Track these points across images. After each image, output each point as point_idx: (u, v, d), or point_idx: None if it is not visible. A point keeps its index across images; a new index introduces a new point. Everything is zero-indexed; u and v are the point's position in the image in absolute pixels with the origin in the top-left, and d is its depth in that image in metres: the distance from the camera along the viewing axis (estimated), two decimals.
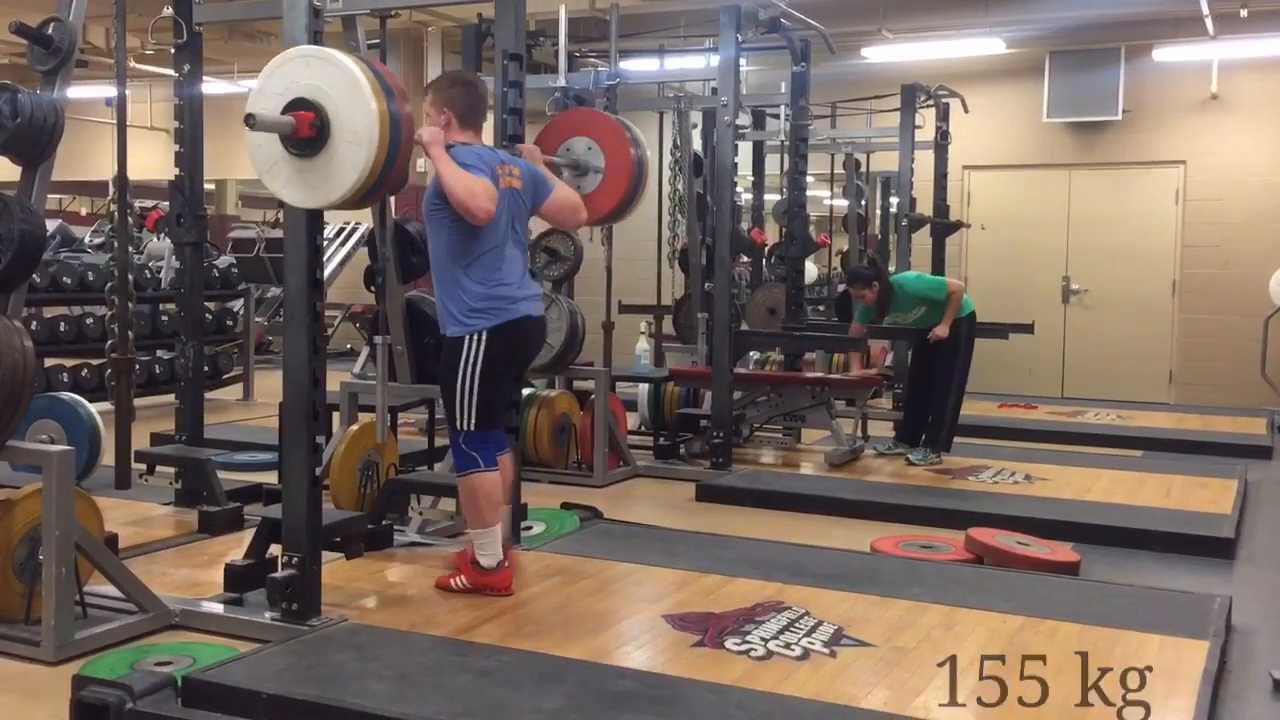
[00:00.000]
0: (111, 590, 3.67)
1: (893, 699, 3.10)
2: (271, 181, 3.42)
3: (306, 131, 3.28)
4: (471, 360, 3.79)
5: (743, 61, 6.79)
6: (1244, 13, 9.38)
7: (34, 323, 7.76)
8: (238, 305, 9.55)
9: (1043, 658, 3.38)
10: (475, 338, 3.80)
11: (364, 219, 10.35)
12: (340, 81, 3.30)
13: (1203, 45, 9.91)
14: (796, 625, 3.66)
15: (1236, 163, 10.29)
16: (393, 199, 5.33)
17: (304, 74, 3.33)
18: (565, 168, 4.92)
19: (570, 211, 4.21)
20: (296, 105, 3.30)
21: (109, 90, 10.15)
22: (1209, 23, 9.44)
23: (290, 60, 3.41)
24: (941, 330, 6.80)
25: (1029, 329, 9.47)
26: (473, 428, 3.84)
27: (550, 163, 4.75)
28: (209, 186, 13.98)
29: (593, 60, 7.99)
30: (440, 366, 3.93)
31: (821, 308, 10.33)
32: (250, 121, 3.29)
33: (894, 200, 10.51)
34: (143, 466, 5.22)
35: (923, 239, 9.89)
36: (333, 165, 3.30)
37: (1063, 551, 4.78)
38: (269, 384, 9.17)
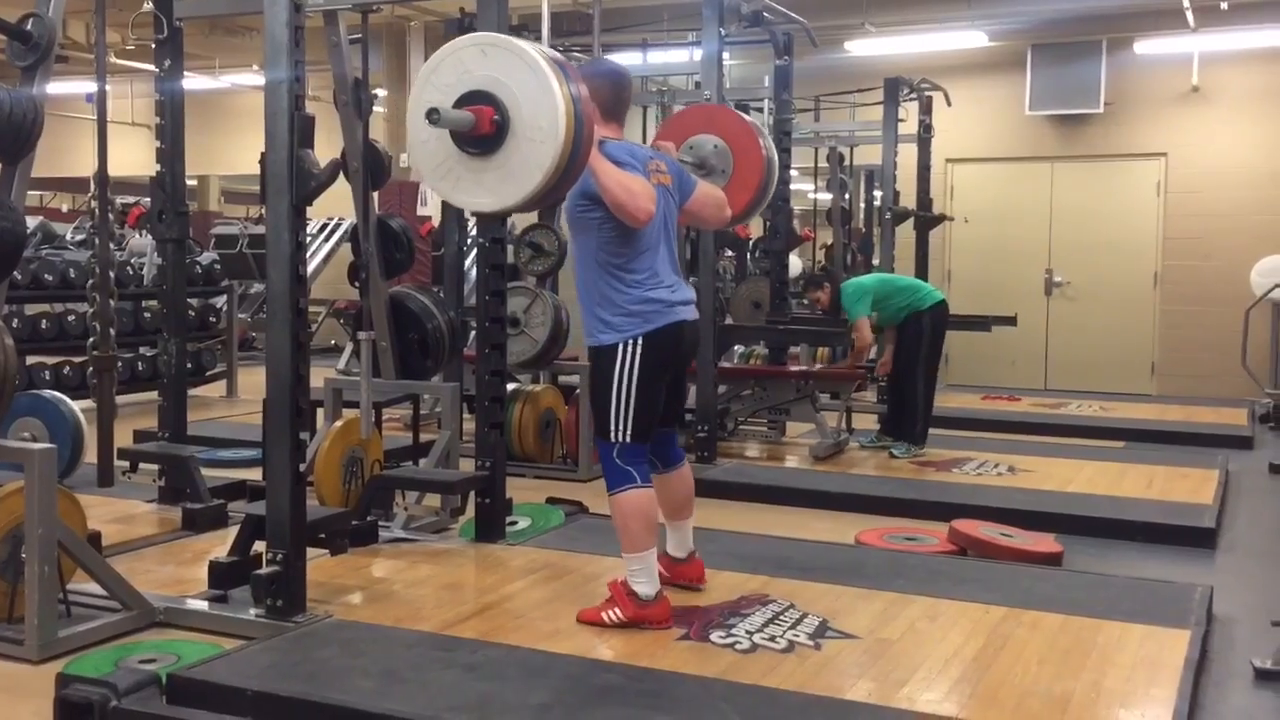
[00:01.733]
0: (95, 588, 3.66)
1: (877, 690, 3.12)
2: (440, 182, 3.20)
3: (486, 128, 3.03)
4: (628, 367, 3.54)
5: (726, 55, 6.79)
6: (1224, 5, 9.42)
7: (15, 320, 7.70)
8: (221, 302, 9.52)
9: (1025, 648, 3.41)
10: (631, 344, 3.54)
11: (347, 214, 10.33)
12: (523, 73, 3.03)
13: (1184, 38, 9.95)
14: (781, 618, 3.67)
15: (1217, 155, 10.34)
16: (376, 194, 5.32)
17: (479, 64, 3.08)
18: (692, 168, 4.69)
19: (716, 208, 3.97)
20: (472, 99, 3.06)
21: (89, 86, 10.08)
22: (1190, 15, 9.48)
23: (463, 49, 3.15)
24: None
25: (1012, 321, 9.53)
26: (629, 439, 3.56)
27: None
28: (191, 182, 13.92)
29: (576, 54, 7.98)
30: (591, 377, 3.71)
31: (805, 301, 10.34)
32: (433, 117, 3.02)
33: (877, 193, 10.56)
34: (125, 464, 5.20)
35: (906, 232, 9.93)
36: (513, 165, 3.06)
37: (1045, 542, 4.81)
38: (252, 380, 9.14)
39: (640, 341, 3.55)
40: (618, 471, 3.58)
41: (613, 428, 3.57)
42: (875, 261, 10.50)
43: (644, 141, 7.87)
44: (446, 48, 3.21)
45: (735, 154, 4.62)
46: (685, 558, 3.95)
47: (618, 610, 3.56)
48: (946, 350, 11.06)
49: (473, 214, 4.82)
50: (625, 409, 3.56)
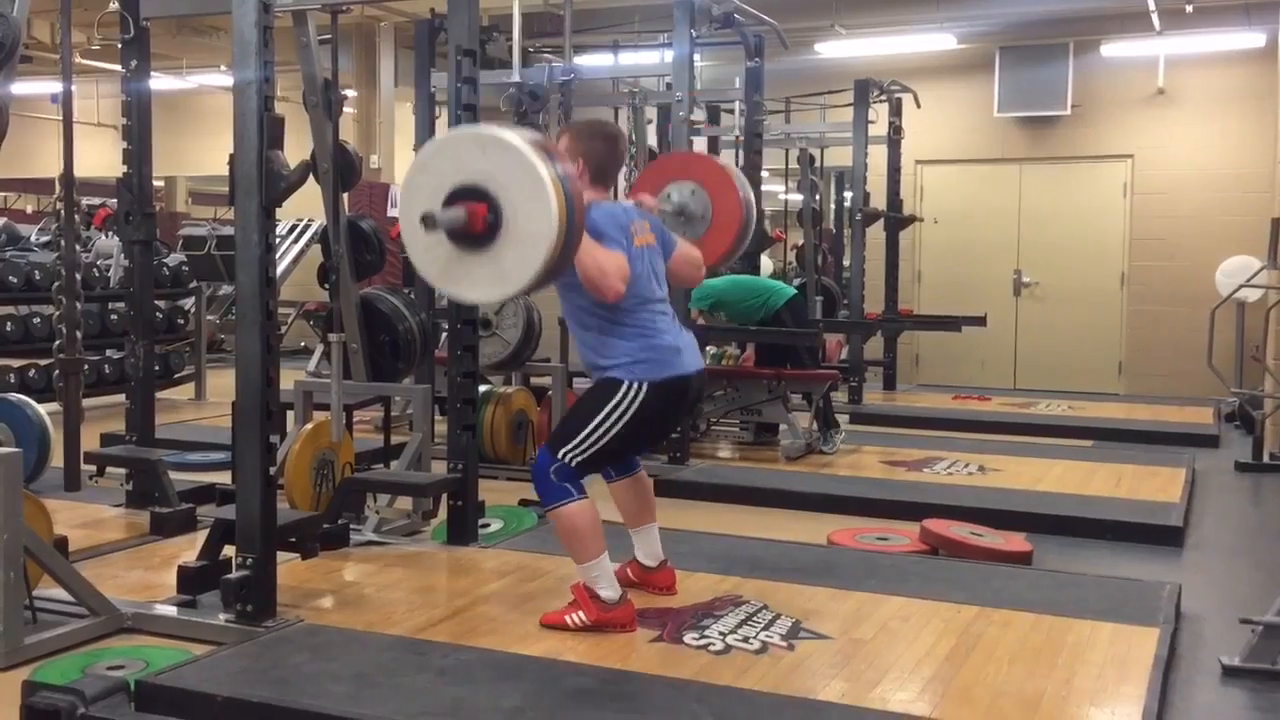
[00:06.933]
0: (62, 594, 3.62)
1: (850, 691, 3.12)
2: (427, 268, 3.18)
3: (479, 228, 3.03)
4: (623, 408, 3.49)
5: (697, 57, 6.79)
6: (1189, 8, 9.52)
7: None
8: (189, 304, 9.44)
9: (997, 647, 3.43)
10: (636, 386, 3.49)
11: (317, 215, 10.28)
12: (519, 173, 3.03)
13: (1149, 40, 10.05)
14: (755, 619, 3.68)
15: (1183, 157, 10.45)
16: (346, 195, 5.29)
17: (476, 158, 3.07)
18: (671, 215, 4.67)
19: (692, 268, 3.97)
20: (466, 194, 3.05)
21: (54, 86, 9.98)
22: (1155, 18, 9.58)
23: (461, 140, 3.20)
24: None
25: (981, 321, 9.59)
26: (574, 466, 3.52)
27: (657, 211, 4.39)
28: (158, 183, 13.80)
29: (547, 55, 7.97)
30: (585, 395, 3.64)
31: None
32: (428, 223, 3.02)
33: (848, 194, 10.58)
34: (93, 468, 5.15)
35: (877, 233, 9.97)
36: (504, 263, 3.06)
37: (1016, 542, 4.84)
38: (221, 383, 9.07)
39: (646, 387, 3.51)
40: (554, 488, 3.52)
41: (569, 448, 3.52)
42: (845, 262, 10.53)
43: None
44: (444, 137, 3.25)
45: (713, 198, 4.67)
46: (656, 566, 3.94)
47: (582, 614, 3.55)
48: (916, 351, 11.21)
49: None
50: (595, 441, 3.51)
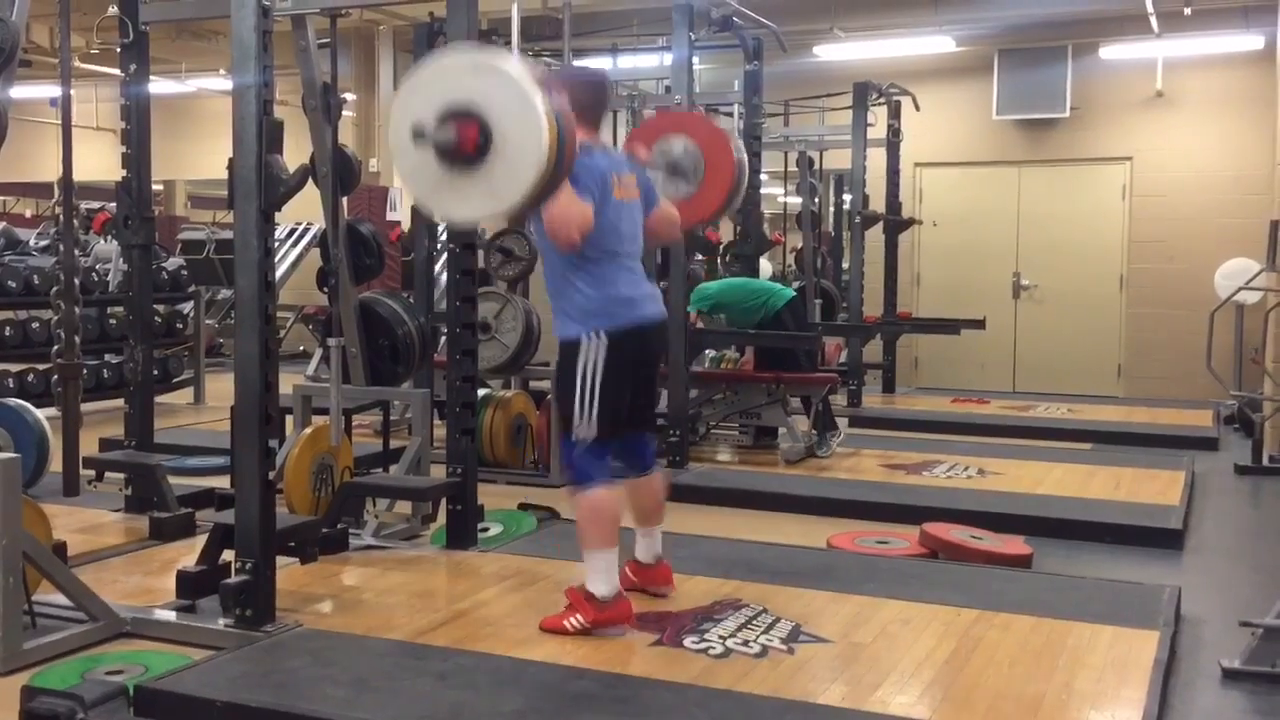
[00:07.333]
0: (61, 599, 3.62)
1: (850, 694, 3.12)
2: (416, 186, 3.24)
3: (469, 149, 3.07)
4: (592, 360, 3.54)
5: (696, 60, 6.80)
6: (1187, 11, 9.53)
7: None
8: (188, 308, 9.44)
9: (997, 650, 3.43)
10: (594, 335, 3.55)
11: (316, 219, 10.28)
12: (512, 96, 3.06)
13: (1147, 43, 10.06)
14: (754, 622, 3.67)
15: (1181, 159, 10.46)
16: (345, 199, 5.29)
17: (469, 81, 3.10)
18: (663, 169, 4.65)
19: (669, 227, 4.00)
20: (458, 115, 3.07)
21: (54, 90, 9.98)
22: (1153, 21, 9.59)
23: (454, 63, 3.21)
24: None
25: (980, 324, 9.59)
26: (594, 436, 3.54)
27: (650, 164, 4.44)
28: (157, 187, 13.81)
29: (546, 59, 7.97)
30: (556, 371, 3.68)
31: None
32: (418, 135, 3.06)
33: (847, 197, 10.59)
34: (91, 473, 5.14)
35: (875, 236, 9.98)
36: (492, 180, 3.10)
37: (1015, 545, 4.84)
38: (220, 387, 9.07)
39: (604, 336, 3.56)
40: (580, 470, 3.59)
41: (577, 423, 3.57)
42: (845, 265, 10.53)
43: (616, 146, 7.87)
44: (437, 60, 3.23)
45: (706, 155, 4.64)
46: (653, 563, 3.95)
47: (578, 616, 3.55)
48: (915, 354, 11.21)
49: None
50: (589, 405, 3.55)
